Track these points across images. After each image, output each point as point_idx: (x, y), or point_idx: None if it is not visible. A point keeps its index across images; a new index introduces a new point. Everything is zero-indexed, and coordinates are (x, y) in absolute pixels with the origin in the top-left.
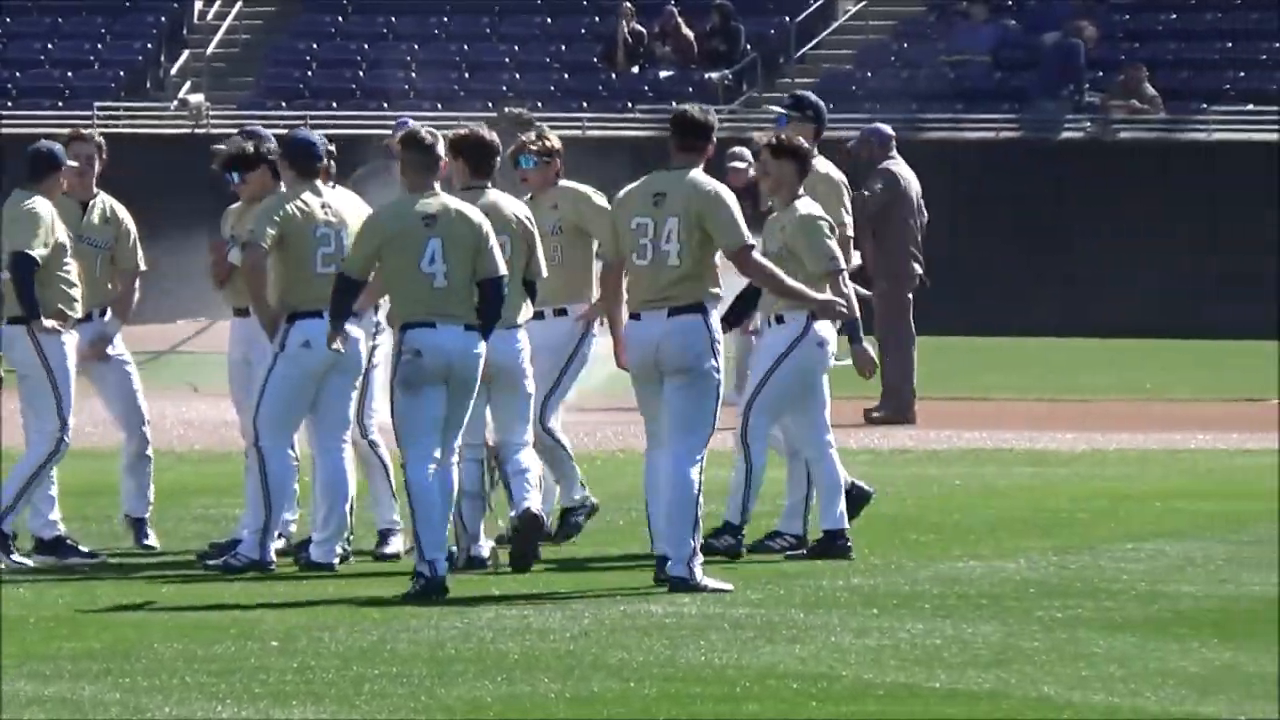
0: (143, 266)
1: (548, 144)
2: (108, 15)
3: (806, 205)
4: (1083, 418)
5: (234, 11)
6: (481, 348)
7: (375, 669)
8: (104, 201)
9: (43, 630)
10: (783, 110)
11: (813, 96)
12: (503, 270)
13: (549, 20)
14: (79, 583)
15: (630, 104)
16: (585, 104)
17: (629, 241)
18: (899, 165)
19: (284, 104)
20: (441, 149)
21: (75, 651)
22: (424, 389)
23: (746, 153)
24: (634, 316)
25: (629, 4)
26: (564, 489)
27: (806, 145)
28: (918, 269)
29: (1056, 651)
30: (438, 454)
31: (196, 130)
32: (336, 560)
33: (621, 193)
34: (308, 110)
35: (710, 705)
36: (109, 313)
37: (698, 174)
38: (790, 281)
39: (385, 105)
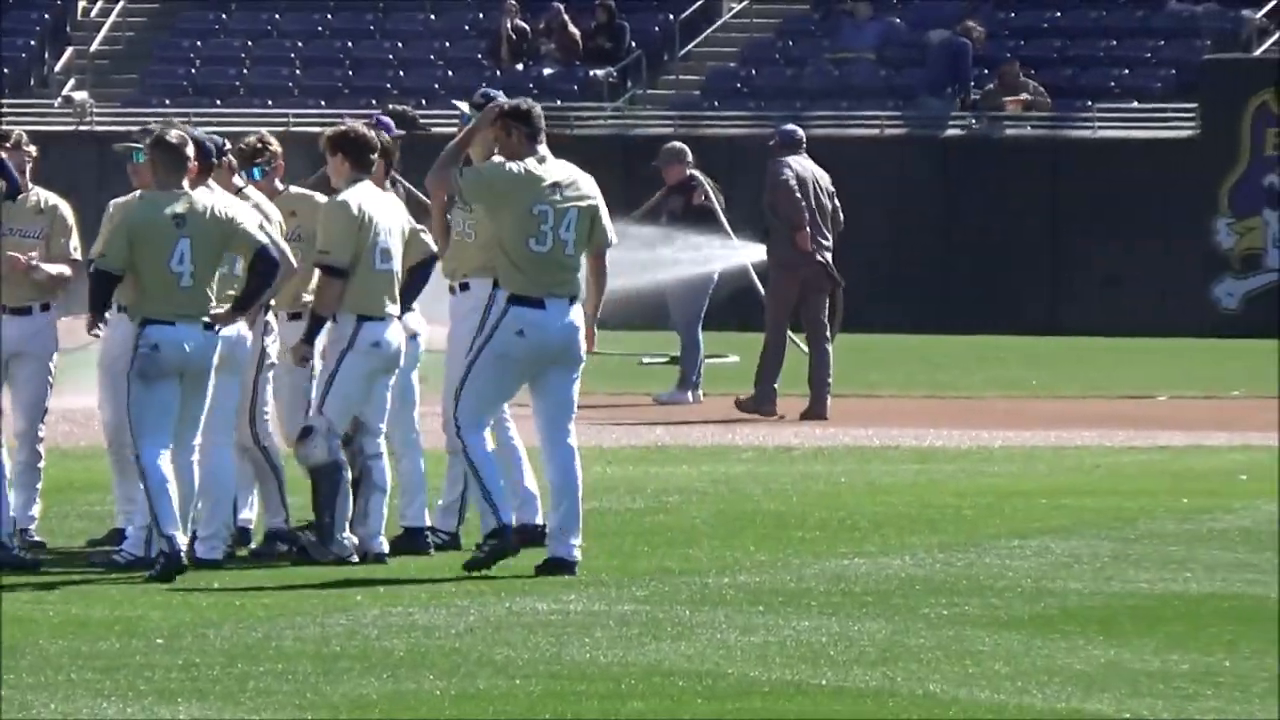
0: (76, 256)
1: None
2: None
3: None
4: (967, 415)
5: (117, 8)
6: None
7: (260, 666)
8: (39, 194)
9: None
10: (468, 109)
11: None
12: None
13: (433, 17)
14: None
15: None
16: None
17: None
18: (796, 162)
19: (168, 101)
20: (190, 150)
21: None
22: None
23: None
24: (538, 303)
25: (513, 0)
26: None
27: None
28: (821, 261)
29: (942, 649)
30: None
31: (81, 127)
32: (221, 556)
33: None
34: (191, 108)
35: (596, 703)
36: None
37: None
38: None
39: (270, 103)
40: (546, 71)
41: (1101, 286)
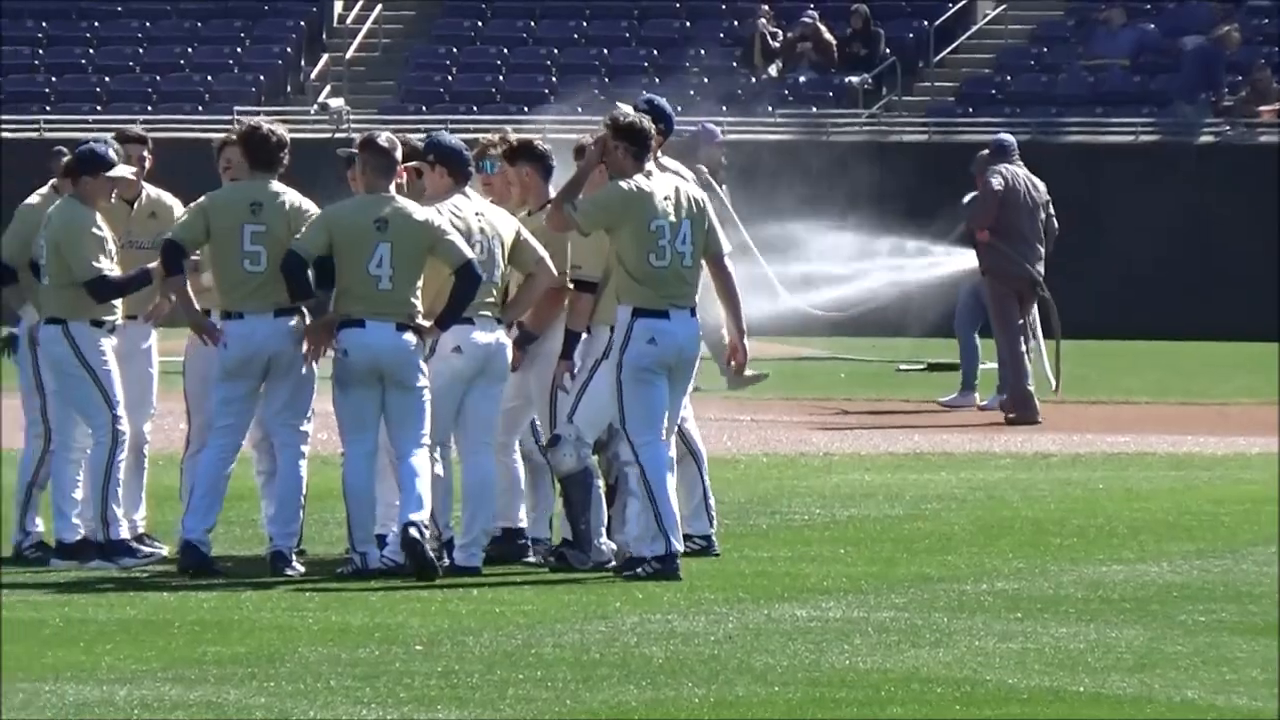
0: (195, 257)
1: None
2: (247, 19)
3: None
4: (1222, 421)
5: (373, 15)
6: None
7: (519, 673)
8: (150, 197)
9: (188, 634)
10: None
11: (659, 100)
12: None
13: (688, 24)
14: (223, 589)
15: (771, 108)
16: (725, 108)
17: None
18: (1007, 169)
19: (424, 108)
20: (398, 155)
21: (220, 656)
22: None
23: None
24: (662, 314)
25: (766, 6)
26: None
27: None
28: (1034, 271)
29: (1199, 655)
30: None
31: (337, 134)
32: (480, 564)
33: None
34: (448, 115)
35: (854, 709)
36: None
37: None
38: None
39: (526, 109)
40: (802, 79)
41: None
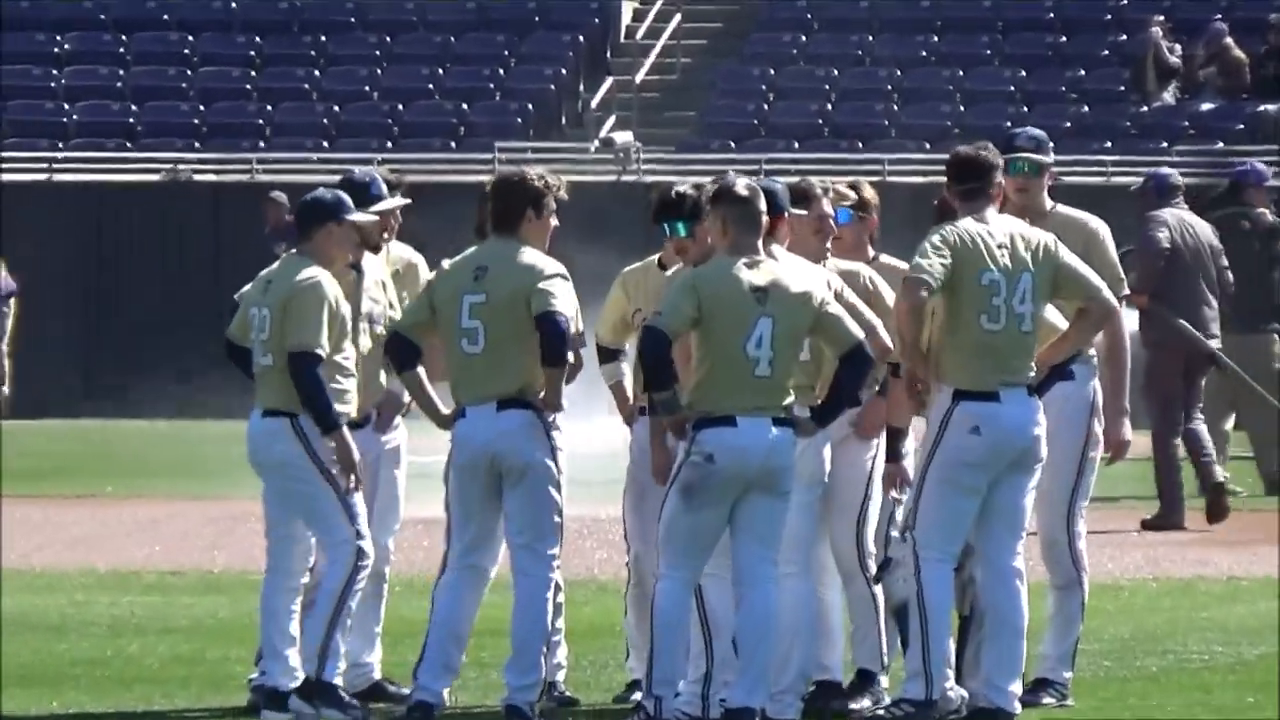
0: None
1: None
2: (512, 33)
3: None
4: None
5: (670, 29)
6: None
7: None
8: (387, 257)
9: None
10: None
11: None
12: None
13: (1063, 38)
14: None
15: (1166, 143)
16: (1109, 143)
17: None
18: (1173, 217)
19: (733, 144)
20: (763, 204)
21: None
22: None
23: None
24: (991, 396)
25: (1162, 17)
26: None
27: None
28: (1208, 341)
29: None
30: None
31: (625, 177)
32: (796, 715)
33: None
34: (761, 152)
35: None
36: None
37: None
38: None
39: (860, 144)
40: (1204, 106)
41: None
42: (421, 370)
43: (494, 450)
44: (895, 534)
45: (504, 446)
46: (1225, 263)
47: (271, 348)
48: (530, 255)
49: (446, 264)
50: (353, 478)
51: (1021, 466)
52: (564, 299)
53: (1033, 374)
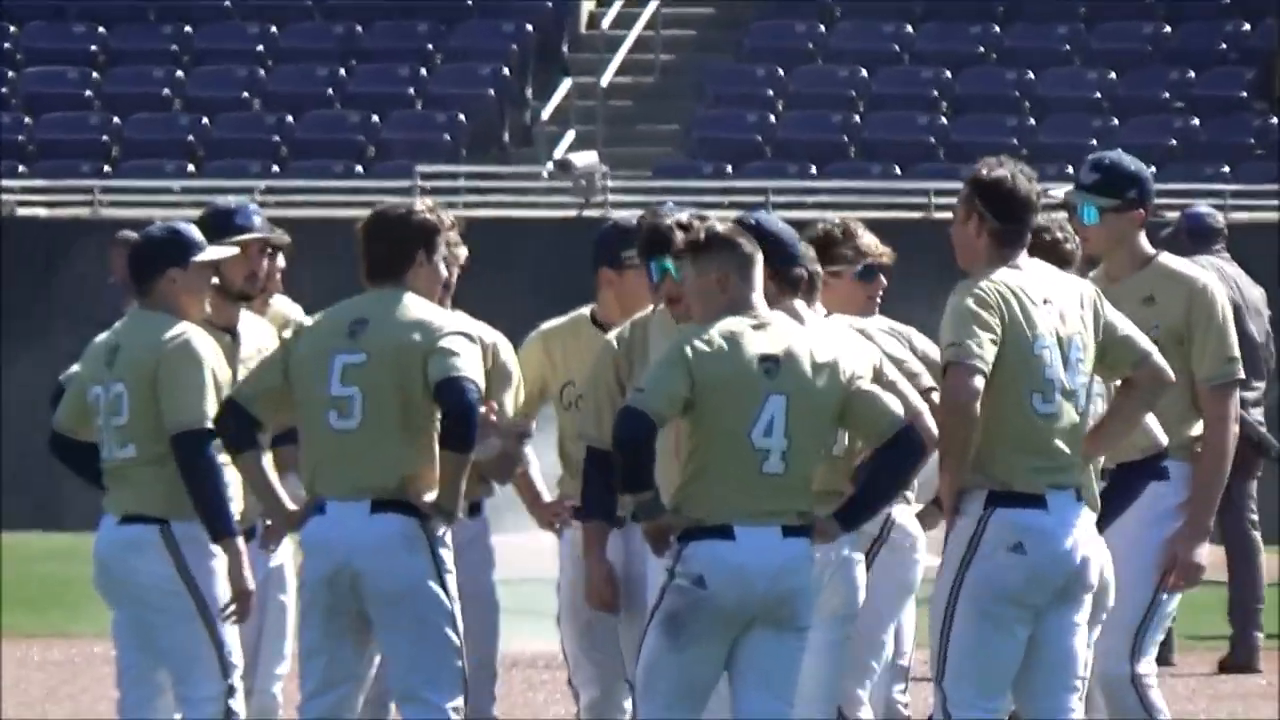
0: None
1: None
2: (438, 22)
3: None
4: None
5: (646, 14)
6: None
7: None
8: (272, 314)
9: None
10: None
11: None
12: None
13: (1165, 29)
14: None
15: None
16: (1225, 166)
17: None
18: (1216, 268)
19: (729, 168)
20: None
21: None
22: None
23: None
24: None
25: None
26: None
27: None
28: (1256, 431)
29: None
30: None
31: (586, 212)
32: None
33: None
34: (768, 178)
35: None
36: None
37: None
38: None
39: (897, 170)
40: None
41: None
42: (264, 454)
43: (358, 567)
44: (898, 694)
45: (373, 565)
46: (1270, 328)
47: (133, 434)
48: (423, 307)
49: (308, 320)
50: (238, 608)
51: (1068, 596)
52: (471, 363)
53: (1082, 474)
